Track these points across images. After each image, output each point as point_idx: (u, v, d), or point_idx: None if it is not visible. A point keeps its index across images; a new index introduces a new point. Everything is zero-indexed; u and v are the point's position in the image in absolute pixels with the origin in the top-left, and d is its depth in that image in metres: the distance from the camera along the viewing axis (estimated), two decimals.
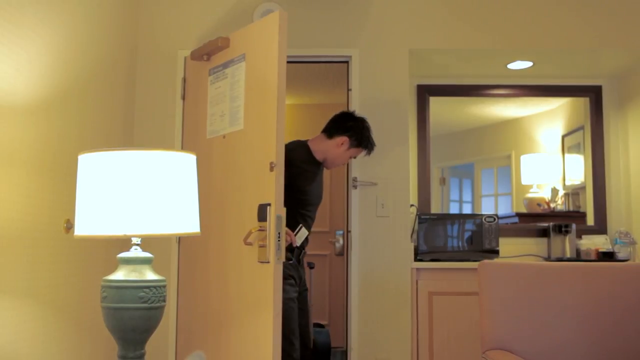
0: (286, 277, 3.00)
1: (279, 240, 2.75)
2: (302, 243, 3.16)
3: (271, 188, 2.79)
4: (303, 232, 3.11)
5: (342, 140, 3.18)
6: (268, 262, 2.79)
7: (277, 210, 2.77)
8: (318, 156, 3.22)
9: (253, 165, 3.03)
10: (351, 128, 3.19)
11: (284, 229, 2.76)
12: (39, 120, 2.51)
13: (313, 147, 3.22)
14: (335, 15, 3.85)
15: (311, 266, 3.45)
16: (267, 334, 2.79)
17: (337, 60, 3.93)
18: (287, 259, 3.00)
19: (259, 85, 3.05)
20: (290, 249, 3.05)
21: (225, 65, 3.31)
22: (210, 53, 3.44)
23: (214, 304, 3.27)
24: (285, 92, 2.94)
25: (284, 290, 2.93)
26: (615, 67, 4.21)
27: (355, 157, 3.34)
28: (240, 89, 3.16)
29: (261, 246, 2.82)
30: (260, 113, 3.01)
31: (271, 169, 2.84)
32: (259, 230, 2.83)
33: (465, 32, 3.86)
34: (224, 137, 3.26)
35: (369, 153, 3.28)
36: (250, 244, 2.82)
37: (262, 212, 2.84)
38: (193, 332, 3.47)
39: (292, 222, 3.06)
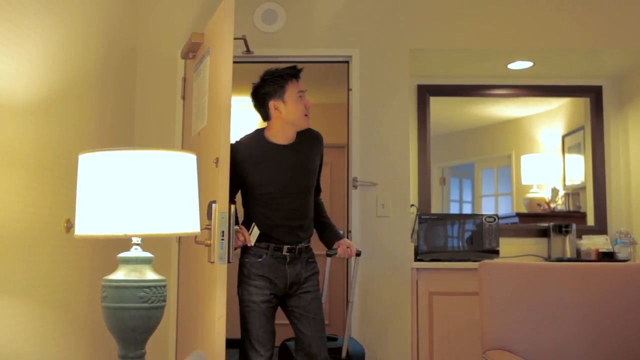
0: (251, 277, 2.70)
1: (222, 239, 2.58)
2: (292, 238, 2.75)
3: (216, 185, 2.64)
4: (256, 232, 2.72)
5: (274, 105, 2.73)
6: (213, 262, 2.64)
7: (222, 208, 2.63)
8: (278, 138, 2.76)
9: (207, 163, 2.91)
10: (264, 94, 2.76)
11: (231, 227, 2.54)
12: (39, 120, 2.51)
13: (267, 132, 2.80)
14: (336, 15, 3.85)
15: (358, 253, 2.93)
16: (211, 335, 2.66)
17: (337, 60, 3.93)
18: (258, 256, 2.71)
19: (215, 79, 2.90)
20: (265, 246, 2.72)
21: (200, 61, 3.26)
22: (192, 50, 3.40)
23: (187, 304, 3.26)
24: (231, 85, 2.75)
25: (247, 292, 2.69)
26: (616, 67, 4.21)
27: (302, 93, 2.75)
28: (206, 84, 3.08)
29: (207, 245, 2.68)
30: (215, 108, 2.86)
31: (216, 164, 2.72)
32: (206, 228, 2.69)
33: (465, 32, 3.86)
34: (198, 134, 3.21)
35: (297, 76, 2.77)
36: (201, 242, 2.66)
37: (209, 210, 2.74)
38: (187, 332, 3.47)
39: (248, 221, 2.78)
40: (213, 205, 2.64)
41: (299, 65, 2.77)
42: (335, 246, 2.84)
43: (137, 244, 2.03)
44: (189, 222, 2.01)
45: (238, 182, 2.74)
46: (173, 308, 3.59)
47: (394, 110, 3.79)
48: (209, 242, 2.65)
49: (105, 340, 3.18)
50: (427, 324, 3.64)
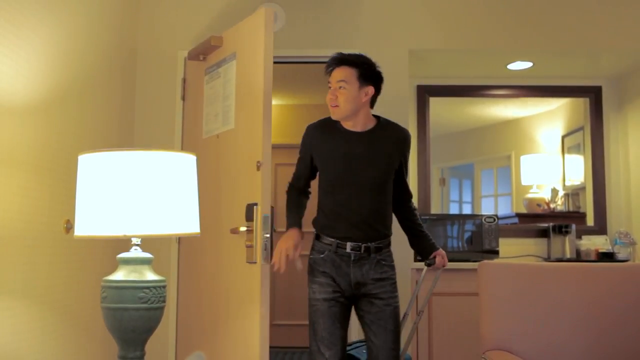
0: (314, 274, 2.56)
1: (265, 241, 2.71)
2: (357, 235, 2.53)
3: (258, 187, 2.75)
4: (299, 264, 2.67)
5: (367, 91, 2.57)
6: (255, 262, 2.74)
7: (264, 210, 2.73)
8: (347, 124, 2.61)
9: (242, 165, 2.99)
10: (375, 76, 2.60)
11: (272, 227, 2.63)
12: (38, 120, 2.51)
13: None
14: (335, 15, 3.85)
15: (429, 263, 2.77)
16: (254, 335, 2.75)
17: None
18: (321, 252, 2.56)
19: (247, 84, 3.01)
20: (329, 242, 2.56)
21: (219, 64, 3.30)
22: (205, 52, 3.43)
23: (208, 304, 3.26)
24: (272, 91, 2.90)
25: (311, 290, 2.56)
26: (615, 67, 4.21)
27: (329, 84, 2.59)
28: (232, 87, 3.14)
29: (248, 246, 2.76)
30: (249, 112, 2.97)
31: (258, 168, 2.80)
32: (247, 230, 2.78)
33: (465, 33, 3.86)
34: (217, 136, 3.25)
35: (335, 64, 2.59)
36: (235, 232, 2.80)
37: (249, 212, 2.80)
38: (191, 333, 3.47)
39: (320, 213, 2.64)
40: (255, 207, 2.70)
41: (339, 54, 2.61)
42: (432, 256, 2.75)
43: (137, 245, 2.03)
44: (188, 222, 2.01)
45: (309, 167, 2.66)
46: (173, 308, 3.59)
47: (393, 110, 3.78)
48: (249, 243, 2.73)
49: (105, 341, 3.18)
50: (426, 324, 3.64)
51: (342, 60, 2.57)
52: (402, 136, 2.65)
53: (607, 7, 3.87)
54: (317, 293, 2.52)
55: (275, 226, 5.24)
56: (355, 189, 2.55)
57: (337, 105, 2.54)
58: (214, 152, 3.27)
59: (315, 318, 2.51)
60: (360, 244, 2.53)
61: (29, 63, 2.42)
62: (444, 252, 2.78)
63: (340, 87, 2.53)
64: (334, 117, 2.58)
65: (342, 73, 2.54)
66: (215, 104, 3.31)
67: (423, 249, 2.79)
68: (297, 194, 2.72)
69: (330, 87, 2.56)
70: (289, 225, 2.62)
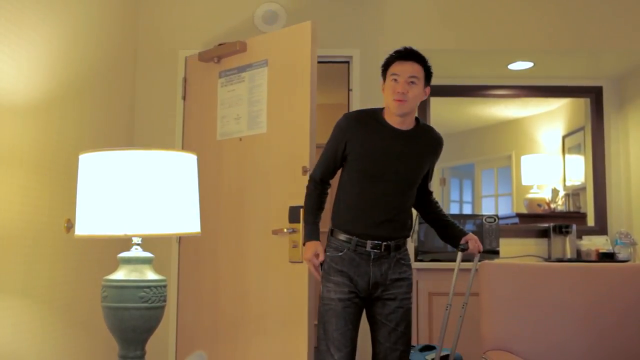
0: (330, 273, 2.48)
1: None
2: (379, 233, 2.48)
3: (302, 191, 2.73)
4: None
5: (382, 85, 2.57)
6: (301, 262, 2.92)
7: None
8: (390, 119, 2.53)
9: (279, 168, 3.15)
10: (381, 71, 2.60)
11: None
12: (39, 119, 2.51)
13: (383, 111, 2.59)
14: (336, 15, 3.85)
15: (463, 248, 2.68)
16: (302, 339, 2.95)
17: (337, 60, 3.93)
18: (339, 250, 2.49)
19: (285, 91, 3.18)
20: (347, 239, 2.49)
21: (242, 69, 3.41)
22: (221, 56, 3.51)
23: (228, 308, 3.31)
24: (315, 105, 3.15)
25: (325, 288, 2.48)
26: (616, 68, 4.21)
27: (397, 76, 2.50)
28: (262, 93, 3.30)
29: (294, 247, 2.99)
30: (288, 118, 3.14)
31: (304, 172, 2.98)
32: (292, 232, 3.00)
33: (465, 33, 3.86)
34: (240, 139, 3.34)
35: (399, 58, 2.55)
36: (278, 232, 3.02)
37: (293, 214, 3.00)
38: (198, 335, 3.47)
39: (337, 206, 2.58)
40: (300, 210, 2.78)
41: (411, 49, 2.56)
42: (463, 241, 2.66)
43: (138, 244, 2.03)
44: (188, 222, 2.01)
45: (338, 158, 2.56)
46: (173, 308, 3.59)
47: None
48: (295, 243, 2.97)
49: (105, 340, 3.18)
50: (427, 324, 3.64)
51: (416, 55, 2.53)
52: (438, 141, 2.63)
53: (608, 7, 3.87)
54: (332, 292, 2.45)
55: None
56: (387, 186, 2.49)
57: (405, 100, 2.45)
58: (235, 154, 3.38)
59: (327, 318, 2.44)
60: (380, 242, 2.47)
61: (30, 62, 2.42)
62: (475, 236, 2.68)
63: (411, 82, 2.47)
64: (398, 111, 2.46)
65: (414, 68, 2.49)
66: (236, 107, 3.41)
67: (453, 237, 2.70)
68: (319, 192, 2.62)
69: (395, 80, 2.47)
70: (309, 237, 2.55)
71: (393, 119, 2.51)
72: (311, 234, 2.57)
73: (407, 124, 2.53)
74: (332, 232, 2.55)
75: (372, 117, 2.54)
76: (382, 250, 2.47)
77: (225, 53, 3.47)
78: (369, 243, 2.46)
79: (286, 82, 3.19)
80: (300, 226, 2.84)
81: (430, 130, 2.63)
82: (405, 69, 2.48)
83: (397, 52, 2.55)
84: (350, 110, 3.85)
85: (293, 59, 3.15)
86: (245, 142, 3.34)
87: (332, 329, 2.42)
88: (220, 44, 3.53)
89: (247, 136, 3.33)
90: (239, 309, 3.24)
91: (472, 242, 2.65)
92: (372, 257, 2.47)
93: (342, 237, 2.49)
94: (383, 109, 2.56)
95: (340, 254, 2.48)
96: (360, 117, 2.56)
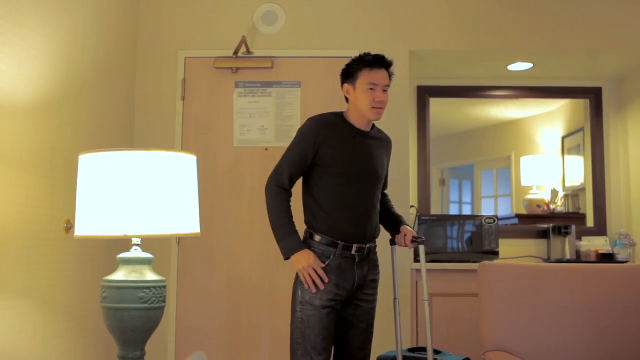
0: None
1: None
2: (361, 234, 2.51)
3: None
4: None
5: (347, 89, 2.60)
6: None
7: None
8: (355, 122, 2.59)
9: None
10: (341, 75, 2.63)
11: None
12: (39, 120, 2.51)
13: (346, 114, 2.63)
14: (336, 16, 3.85)
15: (418, 240, 2.66)
16: None
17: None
18: (325, 257, 2.48)
19: (316, 112, 3.17)
20: (332, 244, 2.48)
21: (268, 84, 3.77)
22: (241, 67, 3.72)
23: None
24: None
25: (308, 293, 2.45)
26: (616, 69, 4.21)
27: (374, 86, 2.52)
28: (295, 111, 3.75)
29: None
30: None
31: None
32: None
33: (465, 34, 3.86)
34: (266, 149, 3.72)
35: (373, 65, 2.55)
36: None
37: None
38: (198, 335, 3.47)
39: (309, 211, 2.58)
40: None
41: (388, 58, 2.59)
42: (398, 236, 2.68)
43: (137, 245, 2.03)
44: (188, 223, 2.01)
45: (307, 164, 2.52)
46: (173, 309, 3.59)
47: (393, 111, 3.79)
48: None
49: (105, 341, 3.18)
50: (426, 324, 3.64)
51: (388, 64, 2.59)
52: (390, 141, 2.77)
53: (608, 8, 3.87)
54: (316, 299, 2.43)
55: None
56: (364, 187, 2.54)
57: (383, 108, 2.55)
58: (260, 162, 3.71)
59: (309, 323, 2.42)
60: (363, 245, 2.51)
61: (30, 63, 2.42)
62: (409, 229, 2.67)
63: (384, 90, 2.55)
64: (376, 118, 2.55)
65: (387, 77, 2.58)
66: (260, 119, 3.76)
67: (393, 229, 2.73)
68: (284, 199, 2.51)
69: (373, 89, 2.51)
70: (299, 246, 2.45)
71: (359, 122, 2.58)
72: (299, 244, 2.46)
73: (369, 126, 2.64)
74: (311, 236, 2.51)
75: (338, 121, 2.59)
76: (365, 253, 2.52)
77: (246, 66, 3.70)
78: (354, 247, 2.49)
79: (319, 104, 3.66)
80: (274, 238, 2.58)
81: (381, 130, 2.75)
82: (384, 78, 2.56)
83: (375, 59, 2.56)
84: None
85: (325, 84, 3.73)
86: (272, 152, 3.67)
87: (314, 334, 2.42)
88: (235, 53, 3.71)
89: (275, 147, 3.68)
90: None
91: (400, 235, 2.68)
92: (357, 260, 2.51)
93: (326, 242, 2.48)
94: (342, 112, 2.62)
95: (328, 261, 2.47)
96: (329, 120, 2.58)
